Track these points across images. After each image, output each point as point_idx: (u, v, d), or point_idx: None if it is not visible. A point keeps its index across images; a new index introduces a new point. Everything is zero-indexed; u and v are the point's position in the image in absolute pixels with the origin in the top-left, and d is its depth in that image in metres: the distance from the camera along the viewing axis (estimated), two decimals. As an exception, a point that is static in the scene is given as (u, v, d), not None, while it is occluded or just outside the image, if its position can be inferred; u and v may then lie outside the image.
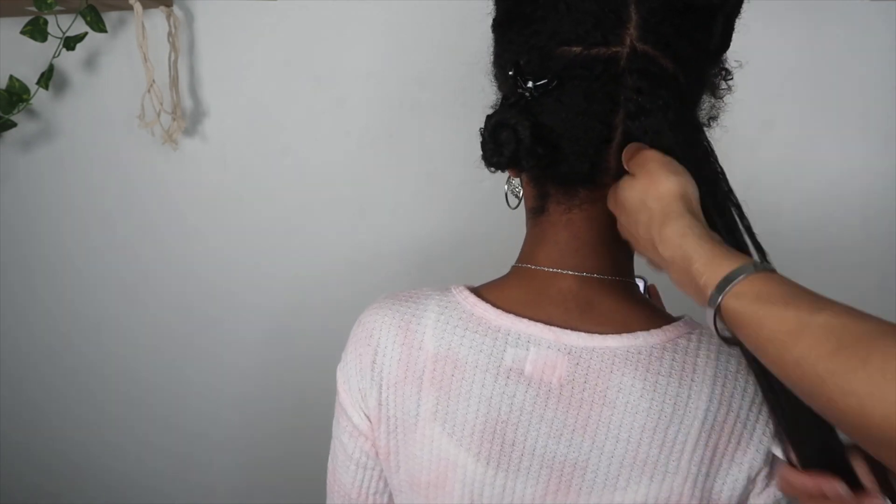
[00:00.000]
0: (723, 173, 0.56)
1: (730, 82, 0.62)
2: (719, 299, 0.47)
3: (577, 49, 0.54)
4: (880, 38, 1.04)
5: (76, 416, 1.40)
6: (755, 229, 0.55)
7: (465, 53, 1.13)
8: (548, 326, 0.59)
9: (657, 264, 0.55)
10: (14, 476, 1.44)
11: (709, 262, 0.49)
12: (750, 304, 0.46)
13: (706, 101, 0.62)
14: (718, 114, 0.63)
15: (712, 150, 0.57)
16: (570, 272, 0.60)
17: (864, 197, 1.10)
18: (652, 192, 0.52)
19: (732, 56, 0.63)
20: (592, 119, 0.55)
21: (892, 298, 1.10)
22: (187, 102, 1.23)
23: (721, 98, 0.62)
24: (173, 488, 1.40)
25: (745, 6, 0.60)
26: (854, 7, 1.04)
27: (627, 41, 0.53)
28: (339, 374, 0.67)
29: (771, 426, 0.58)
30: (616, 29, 0.53)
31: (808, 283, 0.48)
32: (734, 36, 0.61)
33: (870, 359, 0.40)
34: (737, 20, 0.60)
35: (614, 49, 0.54)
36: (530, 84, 0.55)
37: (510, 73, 0.57)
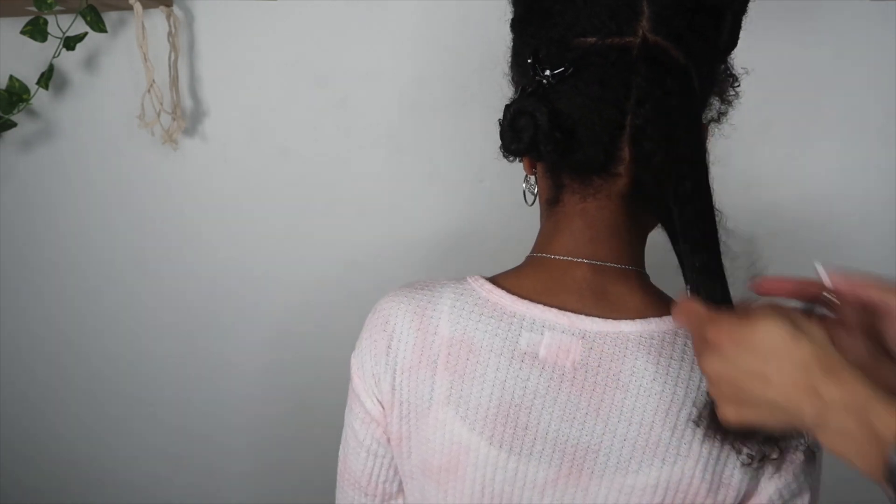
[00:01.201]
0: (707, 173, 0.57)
1: (737, 88, 0.64)
2: None
3: (592, 39, 0.56)
4: (880, 38, 1.04)
5: (76, 417, 1.40)
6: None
7: (465, 53, 1.14)
8: (562, 312, 0.60)
9: (798, 416, 0.50)
10: (14, 477, 1.44)
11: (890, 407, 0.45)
12: None
13: (714, 104, 0.64)
14: (727, 111, 0.65)
15: (705, 150, 0.58)
16: (585, 260, 0.61)
17: (864, 196, 1.10)
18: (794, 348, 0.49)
19: (737, 59, 0.64)
20: (607, 105, 0.57)
21: (891, 298, 1.10)
22: (187, 102, 1.23)
23: (729, 103, 0.65)
24: (174, 489, 1.40)
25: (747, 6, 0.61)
26: (854, 7, 1.04)
27: (640, 32, 0.56)
28: (353, 360, 0.68)
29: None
30: (630, 21, 0.56)
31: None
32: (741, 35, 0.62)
33: None
34: (743, 18, 0.62)
35: (628, 39, 0.56)
36: (548, 72, 0.57)
37: (529, 60, 0.59)
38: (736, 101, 0.65)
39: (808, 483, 0.60)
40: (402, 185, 1.21)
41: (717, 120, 0.64)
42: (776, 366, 0.50)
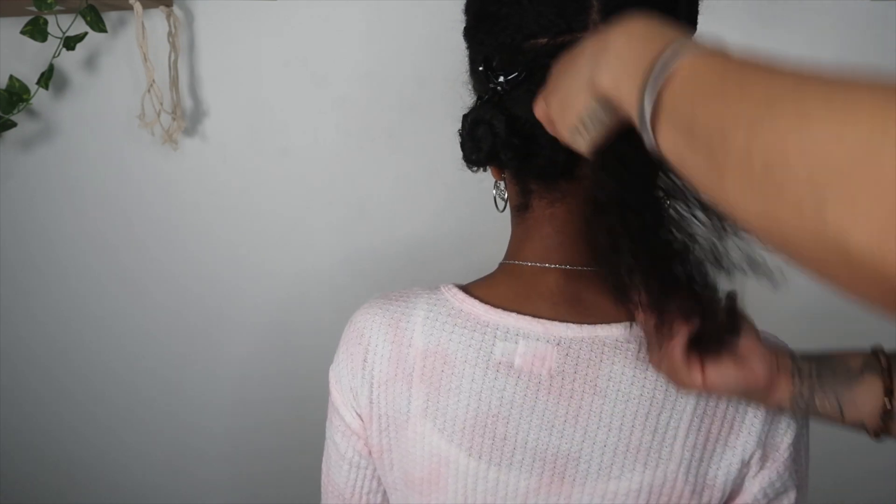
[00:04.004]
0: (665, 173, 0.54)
1: None
2: (664, 69, 0.39)
3: (543, 40, 0.55)
4: (880, 38, 1.04)
5: (77, 412, 1.40)
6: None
7: (465, 53, 1.14)
8: (536, 319, 0.60)
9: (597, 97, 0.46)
10: (17, 472, 1.44)
11: (658, 29, 0.43)
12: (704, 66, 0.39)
13: None
14: None
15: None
16: (556, 266, 0.61)
17: (865, 197, 1.10)
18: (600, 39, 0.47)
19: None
20: None
21: (892, 299, 1.10)
22: (187, 102, 1.23)
23: None
24: (176, 483, 1.40)
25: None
26: (854, 7, 1.04)
27: (591, 25, 0.54)
28: (330, 374, 0.68)
29: (762, 408, 0.58)
30: (579, 15, 0.54)
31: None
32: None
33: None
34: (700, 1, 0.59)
35: (579, 35, 0.54)
36: (501, 79, 0.56)
37: (480, 68, 0.57)
38: None
39: (794, 481, 0.60)
40: (402, 185, 1.21)
41: None
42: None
